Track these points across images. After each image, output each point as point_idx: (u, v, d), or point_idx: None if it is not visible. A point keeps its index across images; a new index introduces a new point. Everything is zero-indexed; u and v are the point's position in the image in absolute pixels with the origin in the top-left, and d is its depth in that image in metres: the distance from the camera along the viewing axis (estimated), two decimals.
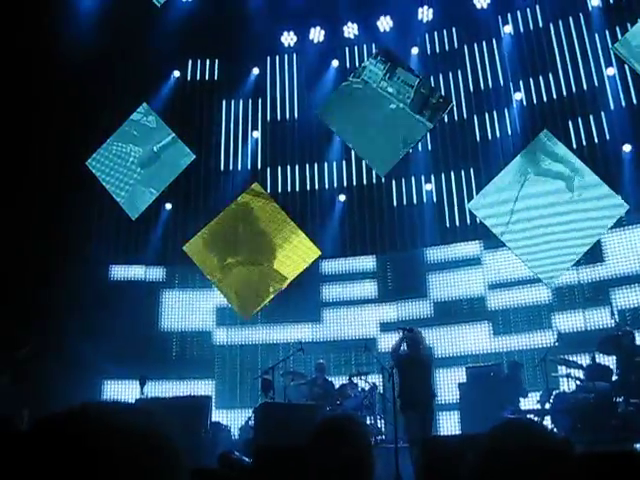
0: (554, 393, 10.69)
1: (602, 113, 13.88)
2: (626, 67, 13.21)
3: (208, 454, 9.39)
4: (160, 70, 15.40)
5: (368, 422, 11.06)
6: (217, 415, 13.03)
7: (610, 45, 13.40)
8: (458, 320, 13.76)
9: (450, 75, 15.29)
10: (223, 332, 14.64)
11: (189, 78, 16.21)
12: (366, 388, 11.63)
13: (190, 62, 16.26)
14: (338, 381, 12.20)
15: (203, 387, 13.89)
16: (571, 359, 11.38)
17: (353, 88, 13.29)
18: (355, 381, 11.87)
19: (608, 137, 13.74)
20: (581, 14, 14.43)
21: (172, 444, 1.16)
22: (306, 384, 11.77)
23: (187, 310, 14.71)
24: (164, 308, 14.70)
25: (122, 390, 13.57)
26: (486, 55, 15.17)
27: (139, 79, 14.57)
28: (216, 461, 6.11)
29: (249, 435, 10.75)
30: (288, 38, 15.95)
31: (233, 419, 13.49)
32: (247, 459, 6.29)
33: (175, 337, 14.58)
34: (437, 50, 15.57)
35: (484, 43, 15.22)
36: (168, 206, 15.14)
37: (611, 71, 13.78)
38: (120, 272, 14.74)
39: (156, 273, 14.88)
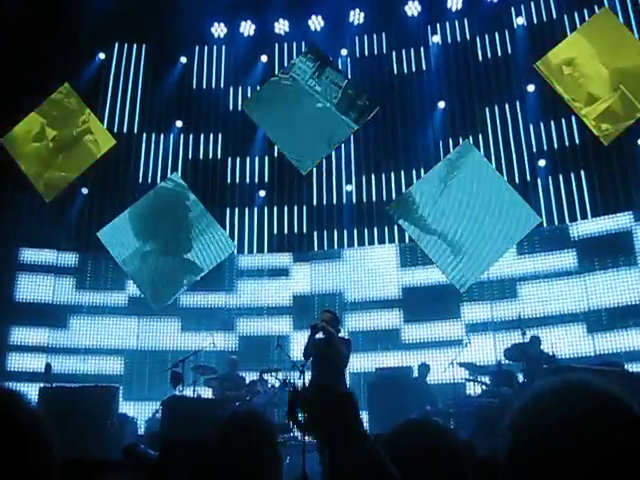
0: (460, 397, 10.96)
1: (521, 127, 14.31)
2: (545, 84, 13.64)
3: (114, 446, 9.22)
4: (85, 51, 14.99)
5: (276, 419, 11.06)
6: (125, 407, 12.81)
7: (532, 63, 13.82)
8: (373, 320, 14.01)
9: (377, 79, 15.46)
10: (135, 321, 14.38)
11: (114, 61, 15.85)
12: (276, 385, 11.63)
13: (117, 45, 15.89)
14: (249, 377, 12.16)
15: (112, 377, 13.59)
16: (478, 364, 11.69)
17: (281, 84, 13.28)
18: (265, 377, 11.85)
19: (525, 151, 14.17)
20: (506, 30, 14.86)
21: (37, 433, 1.13)
22: (217, 379, 11.69)
23: (98, 298, 14.40)
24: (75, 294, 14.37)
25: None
26: (413, 62, 15.42)
27: (62, 58, 14.16)
28: (121, 453, 6.00)
29: (156, 428, 10.61)
30: (218, 29, 15.80)
31: (141, 411, 13.27)
32: (153, 452, 6.20)
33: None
34: (366, 53, 15.72)
35: (412, 50, 15.46)
36: (84, 191, 14.77)
37: (531, 87, 14.21)
38: (31, 256, 14.31)
39: (68, 259, 14.50)
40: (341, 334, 9.45)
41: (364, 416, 12.25)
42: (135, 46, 15.99)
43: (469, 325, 13.50)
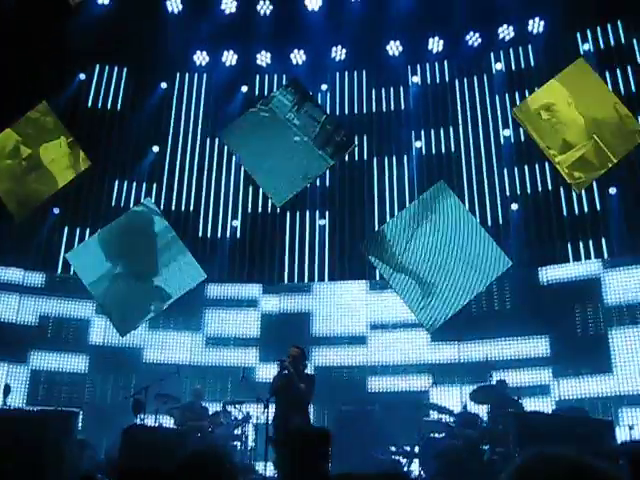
0: (425, 437, 10.90)
1: (495, 171, 14.49)
2: (521, 130, 13.86)
3: (71, 474, 9.01)
4: (65, 70, 14.93)
5: (238, 453, 10.92)
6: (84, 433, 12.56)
7: (509, 108, 14.07)
8: (339, 352, 13.93)
9: (355, 115, 15.60)
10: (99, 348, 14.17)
11: (95, 83, 15.80)
12: (239, 417, 11.50)
13: (98, 67, 15.86)
14: (212, 408, 12.01)
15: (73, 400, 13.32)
16: (443, 405, 11.67)
17: (260, 116, 13.31)
18: (229, 409, 11.72)
19: (499, 195, 14.33)
20: (485, 75, 15.12)
21: None
22: (179, 408, 11.52)
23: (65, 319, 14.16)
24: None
25: None
26: (392, 101, 15.58)
27: (42, 76, 14.07)
28: None
29: (115, 456, 10.40)
30: (200, 57, 15.86)
31: (101, 438, 13.01)
32: None
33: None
34: (346, 90, 15.86)
35: (392, 89, 15.64)
36: (56, 210, 14.62)
37: (507, 132, 14.44)
38: None
39: (35, 278, 14.28)
40: (307, 370, 9.41)
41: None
42: (116, 68, 15.97)
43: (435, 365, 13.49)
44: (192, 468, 2.62)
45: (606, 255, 13.27)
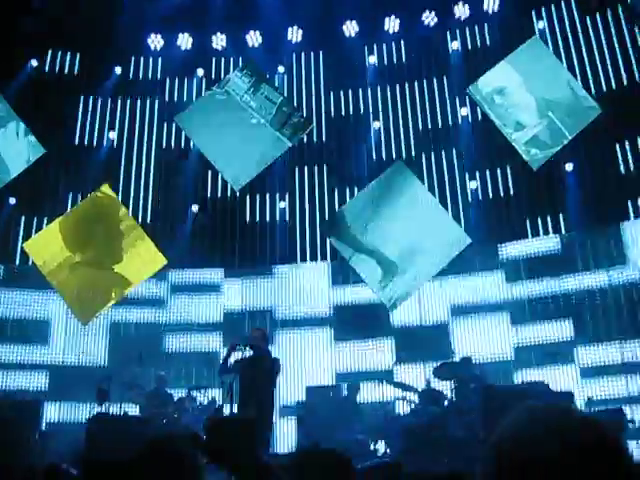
0: (389, 416, 11.01)
1: (454, 149, 14.58)
2: (478, 109, 13.95)
3: (36, 463, 8.92)
4: (17, 57, 14.60)
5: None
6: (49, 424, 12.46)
7: (465, 87, 14.14)
8: (303, 334, 13.94)
9: (313, 97, 15.55)
10: (62, 336, 14.01)
11: (47, 69, 15.50)
12: (205, 402, 11.48)
13: (50, 52, 15.56)
14: (176, 394, 11.96)
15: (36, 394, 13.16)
16: (407, 383, 11.78)
17: (216, 98, 13.21)
18: (194, 395, 11.69)
19: (457, 173, 14.43)
20: (442, 54, 15.16)
21: None
22: (144, 395, 11.46)
23: (24, 311, 13.96)
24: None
25: None
26: (349, 81, 15.56)
27: None
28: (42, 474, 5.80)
29: (80, 445, 10.32)
30: (155, 41, 15.63)
31: (65, 427, 12.90)
32: (75, 472, 6.02)
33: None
34: (303, 71, 15.79)
35: (349, 69, 15.60)
36: (12, 200, 14.36)
37: (464, 111, 14.52)
38: None
39: None
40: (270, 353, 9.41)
41: (294, 433, 12.23)
42: (69, 54, 15.68)
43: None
44: (149, 458, 2.60)
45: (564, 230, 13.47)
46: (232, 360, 9.04)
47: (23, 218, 14.49)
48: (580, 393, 11.78)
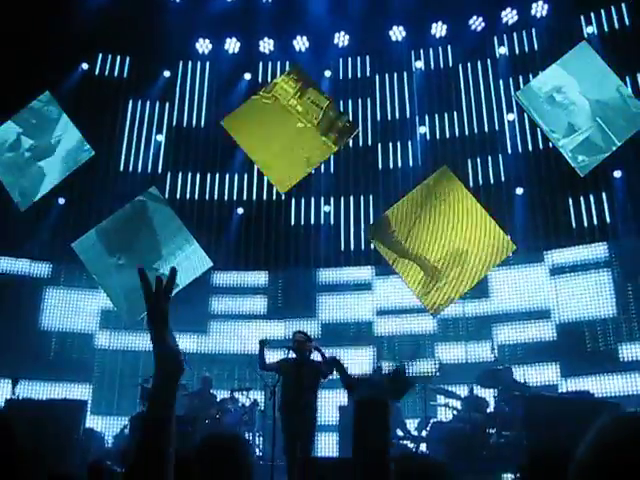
0: (431, 421, 10.95)
1: (500, 155, 14.46)
2: (525, 115, 13.82)
3: (79, 461, 9.09)
4: (68, 60, 14.90)
5: (246, 438, 10.99)
6: (92, 421, 12.66)
7: (513, 92, 14.02)
8: (344, 343, 13.86)
9: (359, 101, 15.57)
10: (106, 335, 14.24)
11: (97, 72, 15.78)
12: (247, 404, 11.57)
13: (100, 56, 15.84)
14: (220, 395, 12.08)
15: (80, 391, 13.40)
16: (450, 389, 11.71)
17: (262, 102, 13.31)
18: (236, 396, 11.79)
19: (503, 179, 14.31)
20: (489, 59, 15.05)
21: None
22: (187, 395, 11.59)
23: (70, 310, 14.22)
24: (46, 306, 14.17)
25: None
26: (396, 86, 15.55)
27: (45, 66, 14.04)
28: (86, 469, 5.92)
29: (124, 444, 10.48)
30: (203, 45, 15.81)
31: (109, 426, 13.11)
32: (119, 469, 6.13)
33: (54, 337, 14.05)
34: (349, 76, 15.82)
35: (395, 74, 15.60)
36: (61, 201, 14.64)
37: (511, 117, 14.41)
38: (4, 264, 14.14)
39: (41, 269, 14.35)
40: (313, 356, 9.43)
41: (334, 438, 12.21)
42: (119, 57, 15.94)
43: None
44: (212, 451, 2.65)
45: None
46: (272, 359, 9.13)
47: (71, 219, 14.73)
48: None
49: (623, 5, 14.11)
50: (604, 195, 13.43)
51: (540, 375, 12.69)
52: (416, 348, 12.91)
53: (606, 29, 14.15)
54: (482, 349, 13.16)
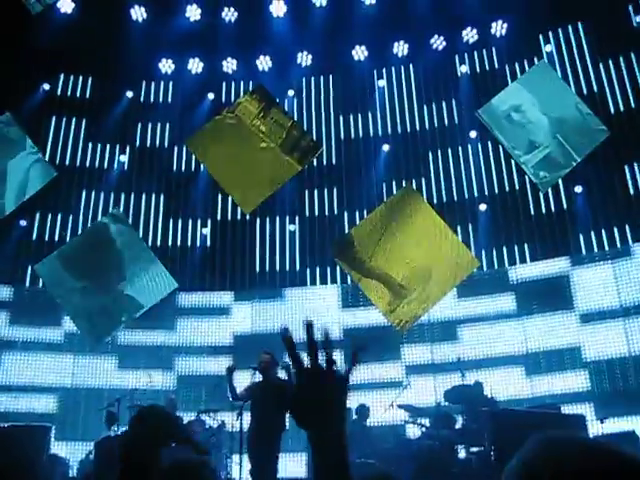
0: (400, 439, 10.94)
1: (462, 172, 14.61)
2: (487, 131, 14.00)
3: None
4: (29, 80, 14.76)
5: (214, 460, 10.86)
6: (57, 447, 12.42)
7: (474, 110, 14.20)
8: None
9: (323, 120, 15.64)
10: (70, 359, 14.03)
11: (59, 92, 15.66)
12: (214, 426, 11.45)
13: (62, 76, 15.72)
14: (186, 417, 11.93)
15: (45, 417, 13.15)
16: (418, 406, 11.71)
17: (226, 122, 13.27)
18: (203, 418, 11.66)
19: (467, 196, 14.45)
20: (450, 77, 15.24)
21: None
22: None
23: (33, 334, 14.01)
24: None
25: None
26: (358, 105, 15.65)
27: (5, 86, 13.88)
28: None
29: (89, 470, 10.29)
30: (166, 65, 15.79)
31: (74, 452, 12.88)
32: None
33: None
34: (313, 95, 15.89)
35: (358, 93, 15.70)
36: (23, 223, 14.45)
37: (473, 134, 14.57)
38: None
39: (3, 292, 14.13)
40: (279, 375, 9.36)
41: (303, 458, 12.16)
42: (81, 77, 15.83)
43: (409, 367, 13.55)
44: (179, 476, 2.62)
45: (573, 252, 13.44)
46: (240, 385, 9.03)
47: (33, 240, 14.54)
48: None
49: (579, 24, 14.41)
50: None
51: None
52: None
53: (564, 47, 14.43)
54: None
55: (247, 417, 8.81)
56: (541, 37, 14.57)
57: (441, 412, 11.09)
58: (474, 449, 9.96)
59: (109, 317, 13.41)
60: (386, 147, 15.06)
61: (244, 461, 8.48)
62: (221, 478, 10.62)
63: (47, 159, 14.07)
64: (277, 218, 15.19)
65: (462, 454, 10.08)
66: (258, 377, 8.85)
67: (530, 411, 11.33)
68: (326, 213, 15.05)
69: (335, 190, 15.16)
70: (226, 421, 11.51)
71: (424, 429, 10.85)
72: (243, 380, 9.38)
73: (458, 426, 10.68)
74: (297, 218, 15.14)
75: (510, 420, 9.25)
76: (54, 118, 15.41)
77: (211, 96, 15.77)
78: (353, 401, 13.00)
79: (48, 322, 14.10)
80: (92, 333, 13.39)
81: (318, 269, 14.71)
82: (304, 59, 15.54)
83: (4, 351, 13.78)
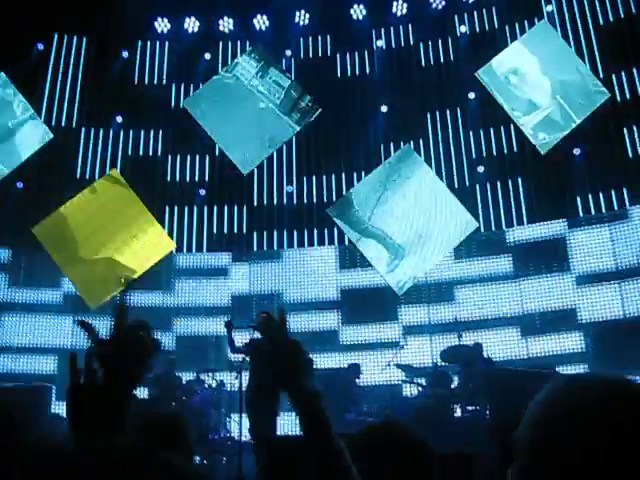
0: (396, 398, 11.07)
1: (461, 133, 14.55)
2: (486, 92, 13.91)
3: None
4: (23, 41, 14.58)
5: (213, 419, 10.98)
6: (57, 407, 12.53)
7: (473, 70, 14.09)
8: (310, 318, 13.97)
9: (321, 80, 15.50)
10: (69, 320, 14.09)
11: (54, 53, 15.49)
12: (213, 385, 11.55)
13: (56, 36, 15.53)
14: (186, 377, 12.04)
15: (45, 377, 13.26)
16: (415, 366, 11.84)
17: (224, 82, 13.21)
18: (202, 378, 11.76)
19: (465, 157, 14.41)
20: (449, 38, 15.09)
21: None
22: (153, 378, 11.51)
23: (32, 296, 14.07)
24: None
25: None
26: (357, 65, 15.51)
27: None
28: None
29: None
30: (162, 24, 15.60)
31: None
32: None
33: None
34: (310, 54, 15.74)
35: (356, 53, 15.55)
36: (20, 185, 14.39)
37: (472, 95, 14.47)
38: None
39: (1, 255, 14.15)
40: None
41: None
42: (75, 38, 15.64)
43: (406, 327, 13.64)
44: (153, 429, 2.69)
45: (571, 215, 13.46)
46: (241, 340, 9.15)
47: (31, 203, 14.51)
48: None
49: None
50: None
51: None
52: None
53: (565, 6, 14.26)
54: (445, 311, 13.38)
55: (245, 376, 8.93)
56: None
57: (438, 372, 11.21)
58: (470, 408, 10.09)
59: (107, 279, 13.47)
60: (384, 108, 14.96)
61: (243, 420, 8.60)
62: (220, 436, 10.77)
63: (42, 120, 13.99)
64: (275, 179, 15.14)
65: (458, 413, 10.22)
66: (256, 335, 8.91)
67: (525, 371, 11.47)
68: (324, 174, 14.98)
69: (333, 150, 15.07)
70: (225, 381, 11.63)
71: (421, 388, 10.97)
72: (241, 338, 9.48)
73: (454, 385, 10.80)
74: (294, 179, 15.08)
75: (505, 380, 9.37)
76: (49, 78, 15.24)
77: (208, 56, 15.59)
78: (352, 361, 13.16)
79: (47, 284, 14.14)
80: (91, 296, 13.46)
81: (316, 230, 14.71)
82: (302, 18, 15.36)
83: (4, 313, 13.84)
